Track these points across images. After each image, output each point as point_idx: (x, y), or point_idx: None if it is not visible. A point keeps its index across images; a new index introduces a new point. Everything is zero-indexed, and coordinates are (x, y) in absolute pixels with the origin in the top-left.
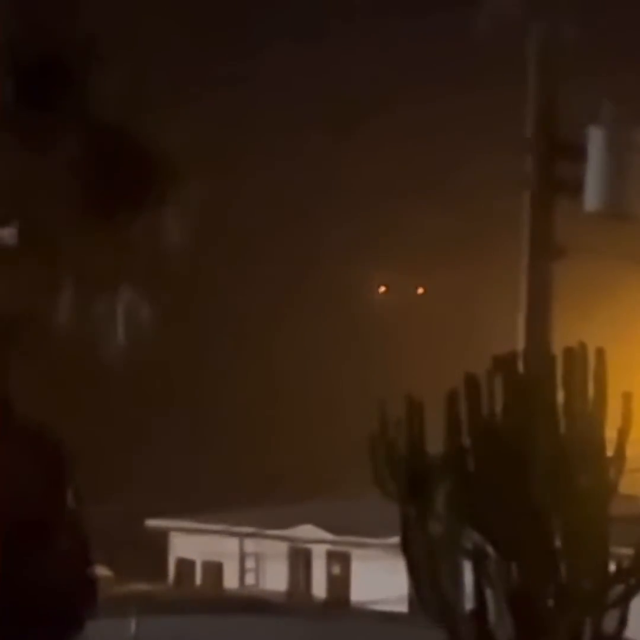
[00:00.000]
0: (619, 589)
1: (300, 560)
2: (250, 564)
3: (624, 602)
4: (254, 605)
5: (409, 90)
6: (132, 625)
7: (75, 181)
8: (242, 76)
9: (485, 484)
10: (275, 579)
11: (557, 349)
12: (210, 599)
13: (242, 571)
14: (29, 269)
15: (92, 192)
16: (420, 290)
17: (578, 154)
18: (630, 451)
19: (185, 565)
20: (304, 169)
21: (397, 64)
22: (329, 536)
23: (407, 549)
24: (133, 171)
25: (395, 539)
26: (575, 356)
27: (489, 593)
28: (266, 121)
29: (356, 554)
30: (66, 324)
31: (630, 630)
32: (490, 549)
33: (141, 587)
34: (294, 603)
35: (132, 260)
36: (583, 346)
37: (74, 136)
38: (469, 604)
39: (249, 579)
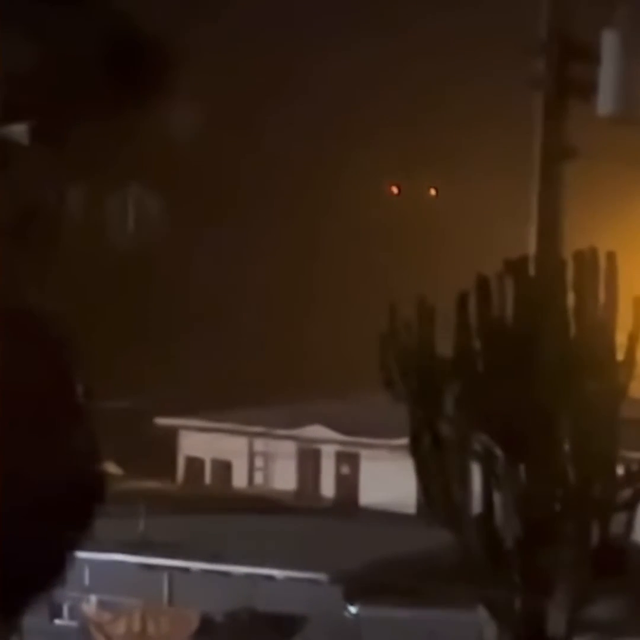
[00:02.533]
0: (627, 492)
1: (309, 460)
2: (259, 463)
3: (631, 506)
4: (262, 504)
5: None
6: (141, 523)
7: (88, 76)
8: None
9: (495, 386)
10: (283, 478)
11: (569, 253)
12: (219, 498)
13: (251, 470)
14: (40, 165)
15: (104, 86)
16: (432, 192)
17: (592, 57)
18: None
19: (194, 464)
20: (316, 70)
21: None
22: (338, 436)
23: (416, 450)
24: (145, 65)
25: (405, 440)
26: (586, 260)
27: (497, 495)
28: (283, 19)
29: (365, 455)
30: (79, 219)
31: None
32: (499, 452)
33: (150, 485)
34: (303, 503)
35: (143, 154)
36: (594, 250)
37: (86, 30)
38: (477, 506)
39: (258, 479)
